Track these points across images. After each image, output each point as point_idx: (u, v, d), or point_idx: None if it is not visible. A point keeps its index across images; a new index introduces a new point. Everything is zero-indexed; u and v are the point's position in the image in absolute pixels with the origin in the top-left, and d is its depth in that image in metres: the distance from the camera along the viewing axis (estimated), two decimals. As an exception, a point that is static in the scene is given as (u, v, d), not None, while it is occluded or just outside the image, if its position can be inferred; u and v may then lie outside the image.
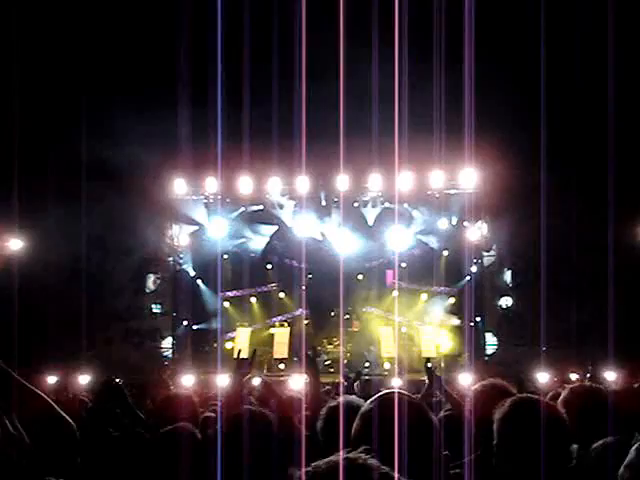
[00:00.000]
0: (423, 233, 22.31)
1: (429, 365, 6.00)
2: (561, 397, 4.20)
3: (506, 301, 22.02)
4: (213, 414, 5.29)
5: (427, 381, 5.74)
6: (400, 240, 22.23)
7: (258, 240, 22.91)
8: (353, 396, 3.45)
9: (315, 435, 3.25)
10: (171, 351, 22.03)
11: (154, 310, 22.34)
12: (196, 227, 22.13)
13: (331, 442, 2.74)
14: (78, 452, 2.53)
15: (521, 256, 20.95)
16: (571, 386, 4.28)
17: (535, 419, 2.27)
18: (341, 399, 3.28)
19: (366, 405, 2.15)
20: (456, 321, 21.79)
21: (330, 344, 22.63)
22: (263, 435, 2.55)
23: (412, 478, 1.83)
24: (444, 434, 2.13)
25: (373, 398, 2.16)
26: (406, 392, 2.18)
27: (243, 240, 22.95)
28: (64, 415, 2.43)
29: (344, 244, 22.35)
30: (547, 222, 15.92)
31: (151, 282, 22.39)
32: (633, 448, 2.80)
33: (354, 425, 2.13)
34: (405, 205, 21.60)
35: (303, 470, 1.30)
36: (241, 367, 3.46)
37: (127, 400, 4.33)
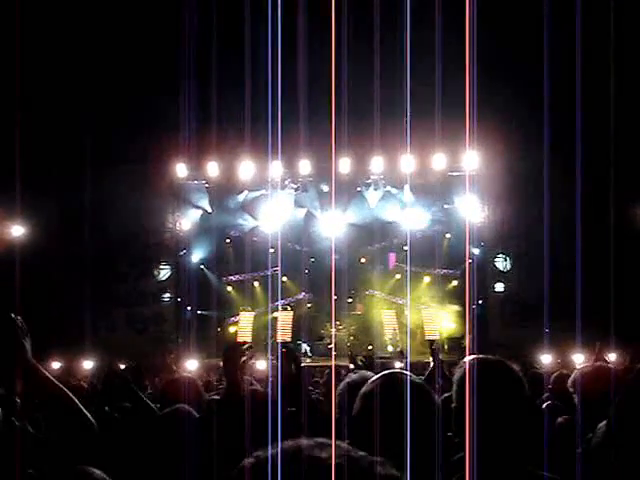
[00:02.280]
0: (426, 216, 22.28)
1: (434, 347, 6.04)
2: (570, 378, 4.20)
3: (506, 283, 21.99)
4: (218, 397, 5.30)
5: (432, 362, 5.77)
6: (403, 223, 22.23)
7: (260, 224, 22.90)
8: (369, 372, 3.43)
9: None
10: (175, 336, 22.07)
11: (159, 295, 22.34)
12: (198, 212, 22.12)
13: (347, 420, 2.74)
14: (97, 450, 2.53)
15: (524, 237, 20.93)
16: (581, 367, 4.28)
17: (489, 379, 2.22)
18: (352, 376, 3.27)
19: (367, 385, 2.12)
20: (458, 304, 21.77)
21: (333, 327, 22.67)
22: (265, 414, 2.54)
23: (414, 460, 1.81)
24: (446, 415, 2.11)
25: (374, 378, 2.13)
26: (408, 372, 2.16)
27: (245, 224, 22.95)
28: (87, 413, 2.43)
29: (346, 227, 22.37)
30: (550, 203, 15.87)
31: (154, 268, 22.39)
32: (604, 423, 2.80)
33: (354, 405, 2.10)
34: (407, 188, 21.54)
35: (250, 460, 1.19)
36: (235, 351, 3.43)
37: (129, 383, 4.34)
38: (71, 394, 2.39)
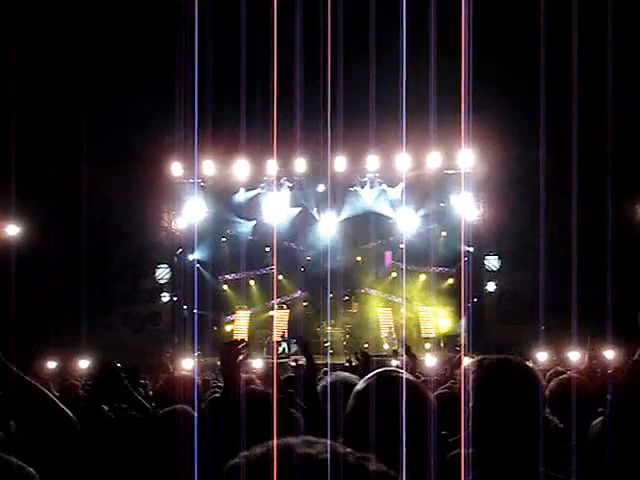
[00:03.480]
0: (421, 214, 22.30)
1: (406, 345, 6.19)
2: (547, 388, 4.24)
3: (501, 281, 21.98)
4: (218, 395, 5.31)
5: (408, 359, 5.88)
6: (398, 221, 22.29)
7: (256, 223, 22.91)
8: (347, 373, 3.42)
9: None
10: (171, 335, 22.02)
11: (155, 295, 22.30)
12: (194, 211, 22.08)
13: (325, 421, 2.74)
14: (79, 445, 2.53)
15: (519, 235, 20.95)
16: (559, 378, 4.30)
17: (511, 380, 2.23)
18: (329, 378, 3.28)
19: (360, 384, 2.11)
20: (453, 302, 21.76)
21: (329, 326, 22.69)
22: (266, 414, 2.54)
23: (409, 459, 1.81)
24: (440, 412, 2.11)
25: (368, 376, 2.12)
26: (402, 370, 2.15)
27: (241, 223, 22.95)
28: (65, 409, 2.43)
29: (342, 226, 22.41)
30: (545, 201, 15.89)
31: (150, 267, 22.36)
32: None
33: (348, 404, 2.09)
34: (402, 186, 21.56)
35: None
36: (231, 349, 3.40)
37: (123, 382, 4.34)
38: (43, 388, 2.39)
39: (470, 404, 2.23)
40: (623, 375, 3.36)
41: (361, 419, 1.93)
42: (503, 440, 2.15)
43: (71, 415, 2.42)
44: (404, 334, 21.51)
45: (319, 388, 3.33)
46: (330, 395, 2.91)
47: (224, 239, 23.16)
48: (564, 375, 4.47)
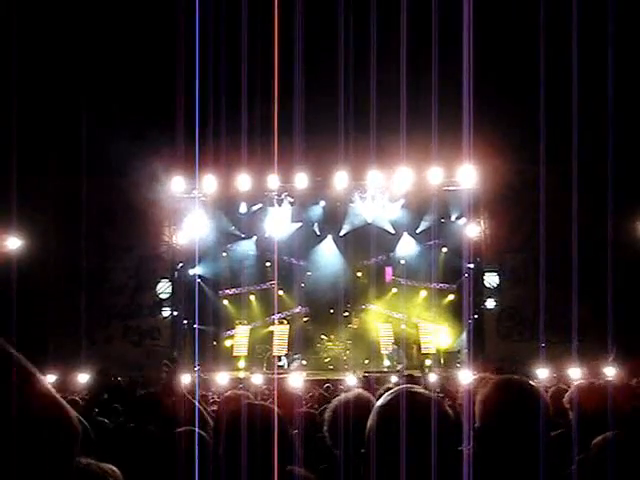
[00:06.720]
0: (422, 230, 22.29)
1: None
2: (567, 394, 4.21)
3: (502, 297, 21.91)
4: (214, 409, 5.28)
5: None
6: (399, 237, 22.31)
7: (257, 238, 22.91)
8: (360, 389, 3.43)
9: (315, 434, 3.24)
10: (171, 349, 21.94)
11: (155, 309, 22.25)
12: (195, 226, 22.07)
13: (339, 437, 2.74)
14: (85, 448, 2.51)
15: (520, 251, 20.94)
16: (577, 383, 4.28)
17: (521, 400, 2.22)
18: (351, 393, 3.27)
19: (381, 400, 2.12)
20: (454, 318, 21.70)
21: (329, 341, 22.64)
22: (266, 429, 2.52)
23: (433, 473, 1.82)
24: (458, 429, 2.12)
25: (388, 393, 2.13)
26: (420, 387, 2.16)
27: (242, 238, 22.94)
28: (69, 408, 2.42)
29: (342, 241, 22.43)
30: (545, 217, 15.91)
31: (151, 281, 22.33)
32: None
33: (369, 421, 2.09)
34: (403, 202, 21.57)
35: None
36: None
37: (120, 395, 4.34)
38: (58, 396, 2.39)
39: (475, 424, 2.23)
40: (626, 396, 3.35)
41: (383, 435, 1.95)
42: (506, 457, 2.14)
43: (75, 415, 2.41)
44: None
45: (331, 406, 3.32)
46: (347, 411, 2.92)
47: (225, 254, 23.15)
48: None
